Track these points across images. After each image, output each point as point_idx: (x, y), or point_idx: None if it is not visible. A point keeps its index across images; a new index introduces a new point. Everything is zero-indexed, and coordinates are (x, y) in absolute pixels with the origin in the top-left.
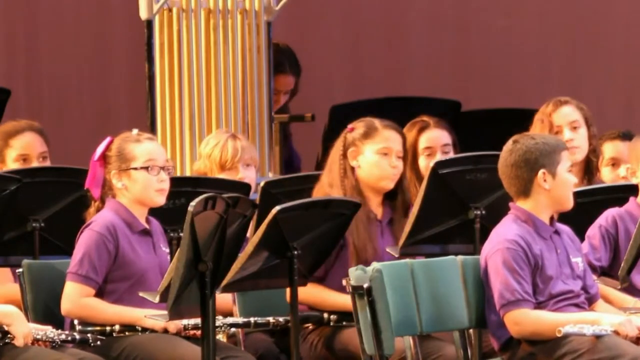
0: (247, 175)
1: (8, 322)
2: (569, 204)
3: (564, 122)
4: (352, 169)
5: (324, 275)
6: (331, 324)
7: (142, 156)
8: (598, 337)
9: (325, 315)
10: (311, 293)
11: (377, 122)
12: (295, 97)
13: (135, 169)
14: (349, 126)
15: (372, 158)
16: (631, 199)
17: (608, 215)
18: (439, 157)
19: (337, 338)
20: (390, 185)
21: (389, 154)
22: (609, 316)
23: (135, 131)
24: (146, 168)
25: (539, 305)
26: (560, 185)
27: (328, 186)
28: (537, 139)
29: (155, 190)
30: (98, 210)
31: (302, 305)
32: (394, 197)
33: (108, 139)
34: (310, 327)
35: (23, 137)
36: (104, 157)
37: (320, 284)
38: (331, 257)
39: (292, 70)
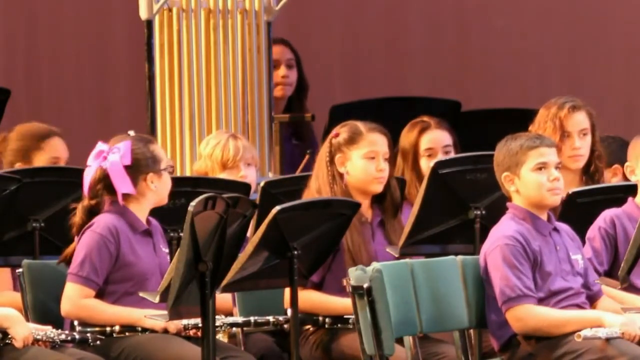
0: (249, 174)
1: (7, 325)
2: (547, 201)
3: (576, 130)
4: (341, 175)
5: (321, 280)
6: (326, 326)
7: (164, 158)
8: (610, 339)
9: (320, 318)
10: (309, 299)
11: (361, 126)
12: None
13: (165, 170)
14: (333, 131)
15: (359, 163)
16: (629, 199)
17: (606, 216)
18: (440, 157)
19: (334, 341)
20: (379, 188)
21: (376, 157)
22: (611, 315)
23: (132, 132)
24: (165, 169)
25: (539, 303)
26: (526, 186)
27: (316, 192)
28: (510, 140)
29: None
30: (91, 210)
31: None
32: (382, 199)
33: (129, 142)
34: (311, 329)
35: (53, 140)
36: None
37: (318, 289)
38: (327, 263)
39: (281, 41)
